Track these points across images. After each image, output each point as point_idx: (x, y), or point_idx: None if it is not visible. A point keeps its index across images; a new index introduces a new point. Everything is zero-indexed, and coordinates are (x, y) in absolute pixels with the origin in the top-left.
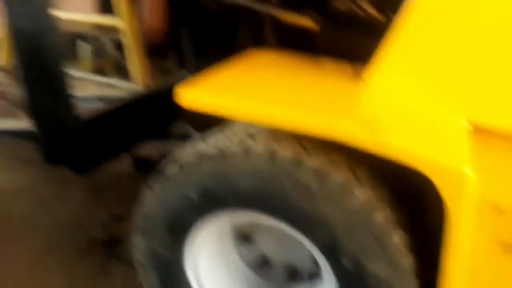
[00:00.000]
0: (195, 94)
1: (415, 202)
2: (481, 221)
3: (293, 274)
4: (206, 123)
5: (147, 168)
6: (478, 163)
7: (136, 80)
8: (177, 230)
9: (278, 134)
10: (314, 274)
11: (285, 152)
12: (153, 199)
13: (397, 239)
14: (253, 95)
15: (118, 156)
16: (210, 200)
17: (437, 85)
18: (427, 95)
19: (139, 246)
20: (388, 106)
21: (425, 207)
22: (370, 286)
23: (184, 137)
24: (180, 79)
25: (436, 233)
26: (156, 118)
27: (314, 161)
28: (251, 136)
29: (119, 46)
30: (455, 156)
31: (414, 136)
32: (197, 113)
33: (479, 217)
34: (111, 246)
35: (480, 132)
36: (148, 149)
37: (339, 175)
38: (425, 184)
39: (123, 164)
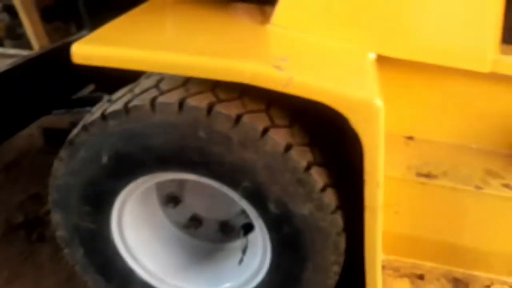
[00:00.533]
0: (88, 48)
1: (335, 141)
2: (393, 150)
3: (226, 229)
4: (119, 86)
5: (58, 140)
6: (387, 94)
7: (35, 47)
8: (96, 200)
9: (188, 85)
10: (247, 226)
11: (196, 101)
12: (63, 169)
13: (319, 178)
14: (153, 43)
15: (22, 129)
16: (123, 162)
17: (342, 21)
18: (332, 31)
19: (59, 222)
20: (296, 45)
21: (346, 145)
22: (297, 227)
23: (94, 104)
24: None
25: (357, 169)
26: (55, 83)
27: (227, 108)
28: (158, 88)
29: (10, 10)
30: (365, 89)
31: (323, 72)
32: (109, 76)
33: (391, 146)
34: (32, 228)
35: (386, 63)
36: (57, 120)
37: (255, 119)
38: (341, 121)
39: (33, 140)
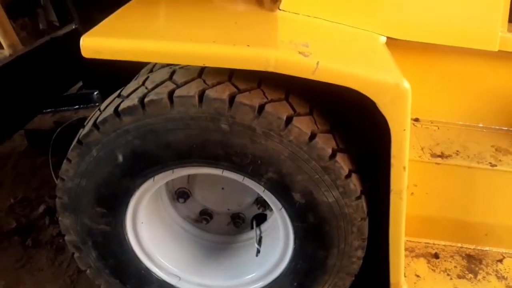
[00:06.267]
0: (100, 41)
1: (357, 127)
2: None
3: (238, 222)
4: (111, 83)
5: (42, 141)
6: None
7: (4, 45)
8: (111, 201)
9: (204, 76)
10: (259, 217)
11: (216, 92)
12: (74, 171)
13: (344, 164)
14: (166, 33)
15: (15, 131)
16: (140, 161)
17: (352, 4)
18: (343, 15)
19: (69, 227)
20: (309, 30)
21: (368, 131)
22: (322, 215)
23: (84, 101)
24: (66, 34)
25: (381, 154)
26: (45, 81)
27: (249, 98)
28: (173, 80)
29: None
30: (390, 72)
31: (344, 57)
32: (100, 73)
33: None
34: (26, 233)
35: (394, 45)
36: (40, 120)
37: (277, 109)
38: (365, 108)
39: (15, 142)
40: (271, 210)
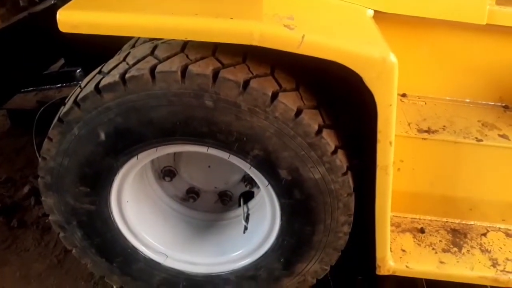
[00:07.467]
0: (78, 15)
1: (344, 102)
2: None
3: (225, 199)
4: (94, 59)
5: (26, 121)
6: None
7: None
8: (95, 180)
9: (187, 50)
10: (246, 195)
11: (199, 67)
12: (56, 150)
13: (330, 140)
14: (147, 6)
15: None
16: (123, 138)
17: None
18: None
19: (53, 207)
20: (294, 2)
21: (355, 106)
22: (309, 191)
23: (67, 79)
24: (45, 10)
25: (367, 130)
26: (25, 58)
27: (233, 73)
28: (154, 55)
29: None
30: (377, 46)
31: (331, 30)
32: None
33: None
34: (11, 214)
35: (381, 19)
36: (22, 99)
37: (263, 84)
38: (352, 83)
39: None
40: (258, 187)
